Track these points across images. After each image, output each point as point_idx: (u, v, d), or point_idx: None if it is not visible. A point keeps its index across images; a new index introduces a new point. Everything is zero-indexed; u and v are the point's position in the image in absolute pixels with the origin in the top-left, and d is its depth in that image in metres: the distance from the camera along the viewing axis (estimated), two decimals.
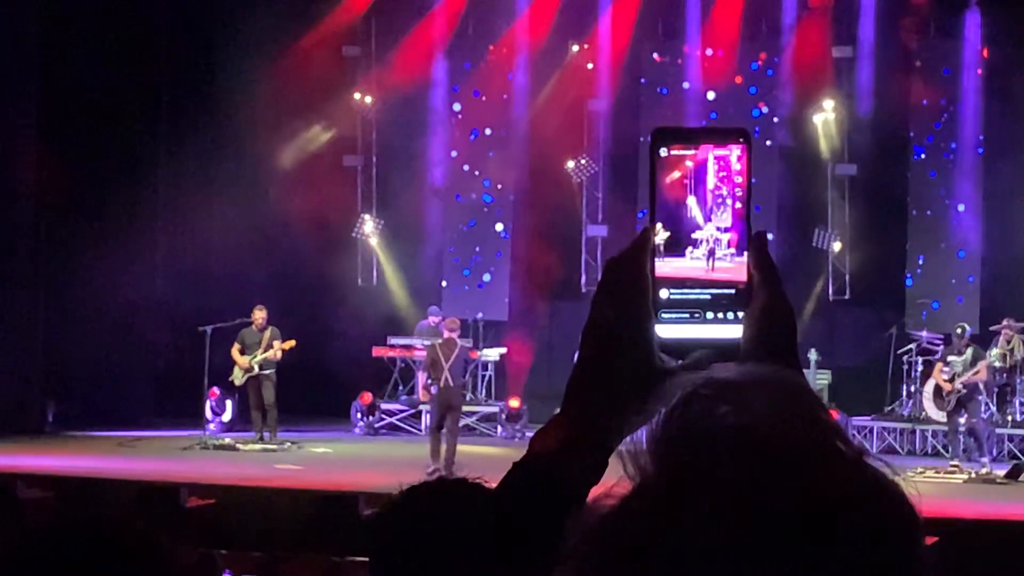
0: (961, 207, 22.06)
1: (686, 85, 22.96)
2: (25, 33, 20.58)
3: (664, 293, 1.50)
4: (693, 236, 1.51)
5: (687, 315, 1.50)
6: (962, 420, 18.17)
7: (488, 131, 23.61)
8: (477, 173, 23.66)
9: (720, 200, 1.52)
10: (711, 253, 1.51)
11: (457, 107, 23.82)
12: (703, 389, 1.12)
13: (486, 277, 23.71)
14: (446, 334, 18.12)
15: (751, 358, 1.41)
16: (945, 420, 18.62)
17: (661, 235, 1.51)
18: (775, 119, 22.49)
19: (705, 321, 1.50)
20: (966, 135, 22.06)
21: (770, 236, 1.57)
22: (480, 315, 22.72)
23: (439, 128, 23.68)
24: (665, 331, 1.49)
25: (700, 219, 1.52)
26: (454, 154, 23.77)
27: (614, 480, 1.12)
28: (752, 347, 1.46)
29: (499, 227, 23.71)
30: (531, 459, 1.51)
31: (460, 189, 23.68)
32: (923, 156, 22.43)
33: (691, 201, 1.52)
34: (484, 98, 23.67)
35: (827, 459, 1.07)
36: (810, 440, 1.08)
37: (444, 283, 23.75)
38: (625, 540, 1.07)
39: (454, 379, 17.67)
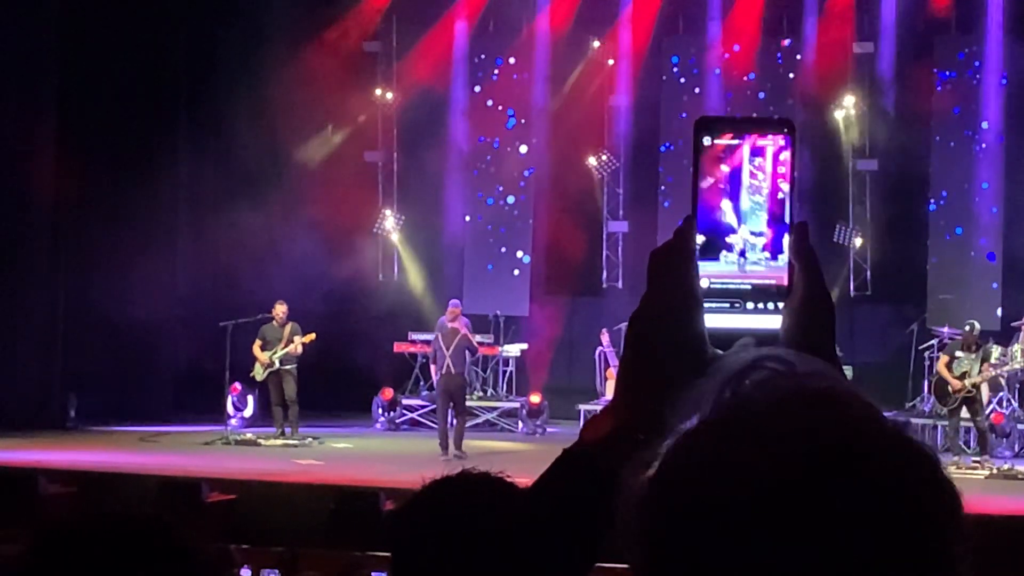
0: (985, 125, 21.98)
1: (707, 80, 22.91)
2: (43, 35, 20.63)
3: (705, 282, 1.50)
4: (728, 240, 1.51)
5: (727, 305, 1.50)
6: (978, 419, 18.05)
7: (511, 60, 23.61)
8: (500, 108, 23.72)
9: (756, 201, 1.52)
10: (742, 255, 1.51)
11: (478, 88, 23.86)
12: (766, 361, 1.15)
13: (511, 199, 23.71)
14: (448, 324, 18.51)
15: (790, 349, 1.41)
16: (968, 414, 18.40)
17: (696, 239, 1.51)
18: (796, 114, 22.41)
19: (745, 311, 1.50)
20: (990, 63, 21.97)
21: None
22: (499, 311, 22.76)
23: (458, 107, 23.77)
24: (705, 320, 1.49)
25: (734, 223, 1.51)
26: (477, 89, 23.80)
27: None
28: (791, 338, 1.46)
29: (523, 148, 23.66)
30: (580, 446, 1.51)
31: (484, 130, 23.69)
32: (948, 86, 22.29)
33: (726, 205, 1.51)
34: (503, 102, 23.72)
35: (875, 421, 1.13)
36: (861, 405, 1.13)
37: (468, 217, 23.70)
38: (682, 479, 1.09)
39: (455, 366, 18.22)
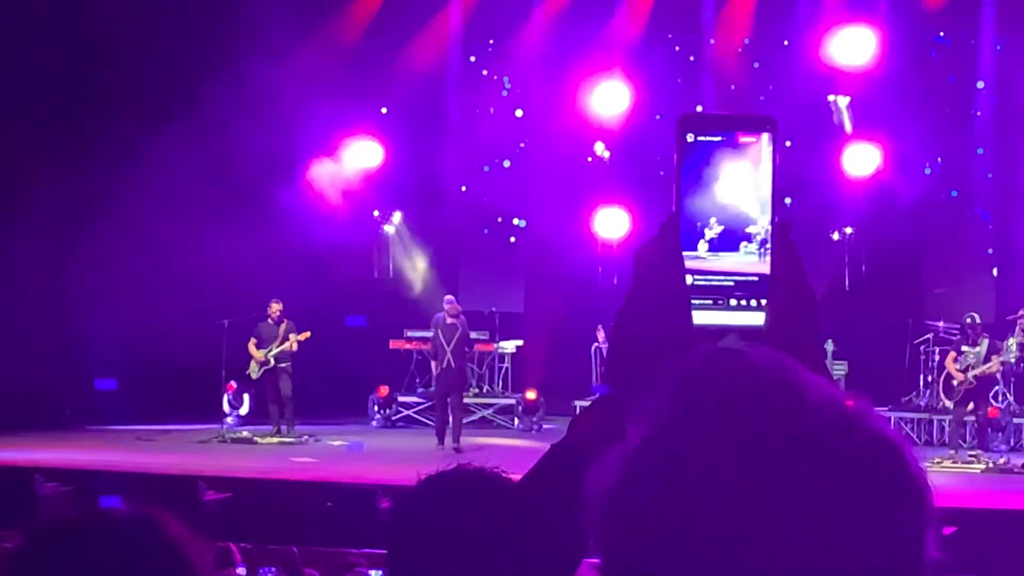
0: (980, 84, 22.02)
1: (702, 50, 22.97)
2: (42, 35, 20.62)
3: (688, 279, 1.49)
4: (747, 231, 1.50)
5: (710, 301, 1.49)
6: (980, 413, 18.06)
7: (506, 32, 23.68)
8: (496, 78, 23.78)
9: (766, 192, 1.51)
10: (763, 245, 1.50)
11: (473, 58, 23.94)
12: (723, 355, 1.15)
13: (507, 164, 23.71)
14: (448, 320, 18.85)
15: (773, 346, 1.40)
16: (972, 407, 18.38)
17: (715, 229, 1.49)
18: (791, 97, 22.34)
19: (728, 308, 1.49)
20: (985, 34, 22.05)
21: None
22: (495, 307, 22.75)
23: (453, 79, 23.80)
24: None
25: (755, 212, 1.50)
26: (472, 59, 23.82)
27: None
28: (774, 335, 1.45)
29: (519, 112, 23.66)
30: (569, 441, 1.50)
31: (478, 100, 23.69)
32: (943, 55, 22.35)
33: (744, 195, 1.50)
34: (498, 71, 23.78)
35: (832, 410, 1.11)
36: (817, 395, 1.11)
37: (464, 188, 23.71)
38: (639, 492, 1.10)
39: (456, 360, 18.62)
